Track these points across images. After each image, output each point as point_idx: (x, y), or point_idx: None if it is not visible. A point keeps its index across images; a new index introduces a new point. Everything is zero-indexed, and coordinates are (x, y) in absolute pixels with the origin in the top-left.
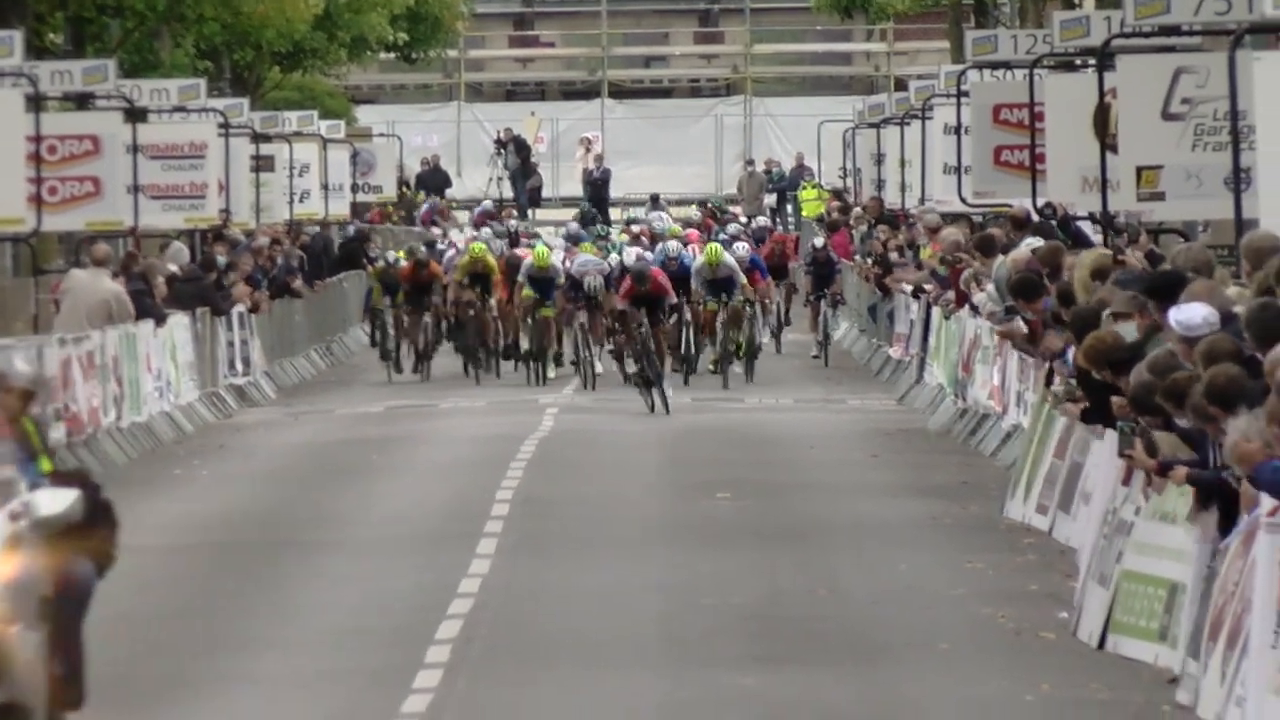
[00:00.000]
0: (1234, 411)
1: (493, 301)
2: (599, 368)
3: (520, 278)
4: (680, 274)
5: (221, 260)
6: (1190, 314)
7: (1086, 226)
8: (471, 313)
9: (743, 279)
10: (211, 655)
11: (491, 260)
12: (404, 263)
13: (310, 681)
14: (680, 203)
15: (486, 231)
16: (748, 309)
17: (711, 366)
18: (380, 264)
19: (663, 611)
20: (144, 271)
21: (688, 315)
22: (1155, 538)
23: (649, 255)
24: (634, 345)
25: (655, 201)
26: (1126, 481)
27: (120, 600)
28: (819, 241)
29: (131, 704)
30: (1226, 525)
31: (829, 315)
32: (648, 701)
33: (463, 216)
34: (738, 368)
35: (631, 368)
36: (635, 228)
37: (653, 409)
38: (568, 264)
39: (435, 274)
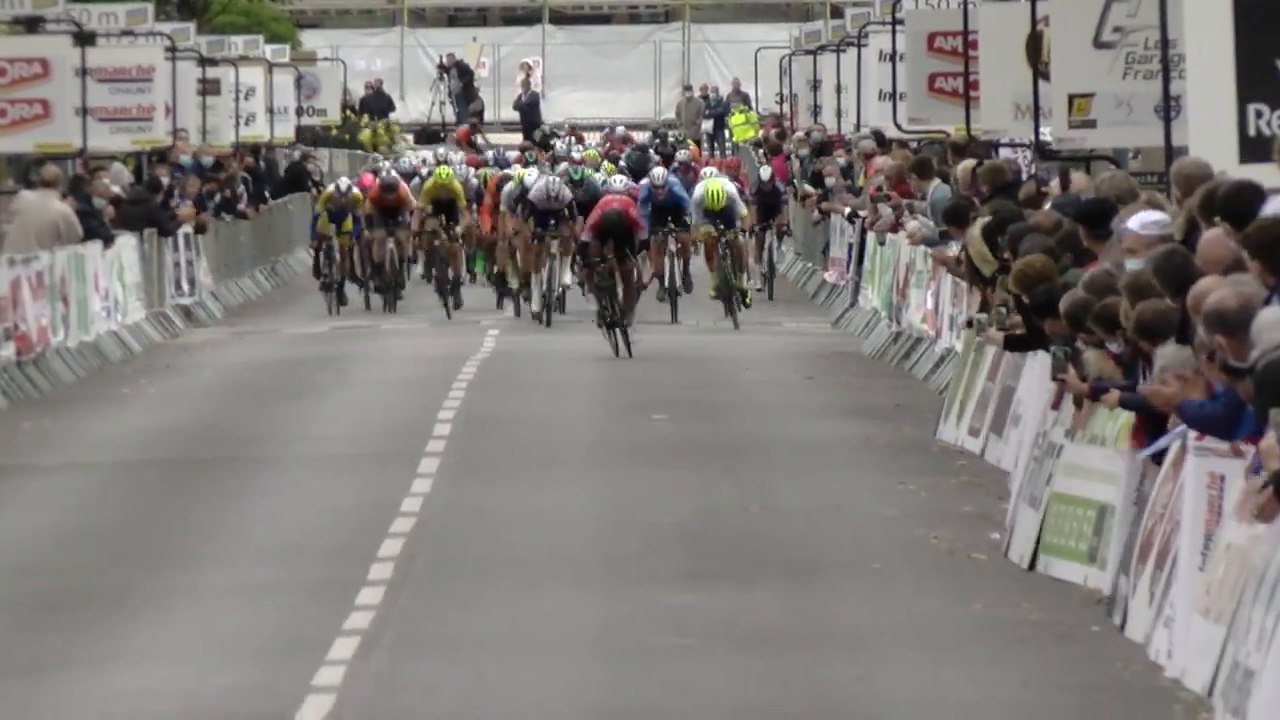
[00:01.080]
0: (1161, 343)
1: (459, 229)
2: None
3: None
4: (670, 202)
5: (165, 181)
6: (1145, 216)
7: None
8: (436, 243)
9: (743, 210)
10: (156, 569)
11: (458, 186)
12: (354, 190)
13: (254, 595)
14: (632, 127)
15: (458, 155)
16: (768, 236)
17: (713, 293)
18: (330, 190)
19: (600, 530)
20: (91, 192)
21: (672, 245)
22: (1085, 460)
23: (615, 181)
24: (596, 282)
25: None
26: (1057, 405)
27: (69, 515)
28: (765, 172)
29: (79, 615)
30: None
31: (774, 247)
32: (586, 618)
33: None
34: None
35: (594, 305)
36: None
37: (617, 352)
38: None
39: (403, 199)
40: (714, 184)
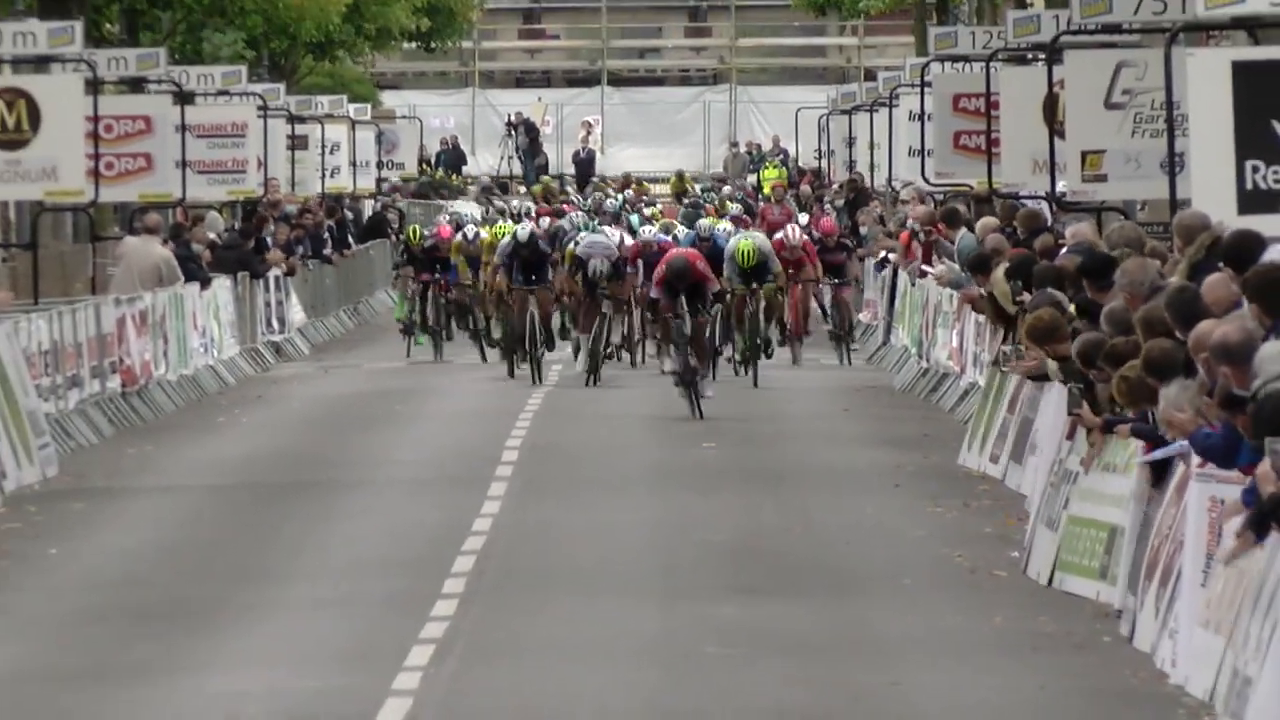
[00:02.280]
0: (1167, 381)
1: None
2: (579, 363)
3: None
4: (713, 254)
5: (269, 227)
6: None
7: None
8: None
9: (777, 266)
10: (248, 582)
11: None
12: (429, 240)
13: (337, 607)
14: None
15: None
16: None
17: (738, 356)
18: (459, 239)
19: (654, 547)
20: (189, 239)
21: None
22: (1098, 485)
23: (679, 233)
24: (671, 340)
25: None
26: (1071, 436)
27: (168, 532)
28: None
29: (178, 624)
30: (1162, 472)
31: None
32: (641, 628)
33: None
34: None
35: (669, 365)
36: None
37: (693, 413)
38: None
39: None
40: (745, 243)
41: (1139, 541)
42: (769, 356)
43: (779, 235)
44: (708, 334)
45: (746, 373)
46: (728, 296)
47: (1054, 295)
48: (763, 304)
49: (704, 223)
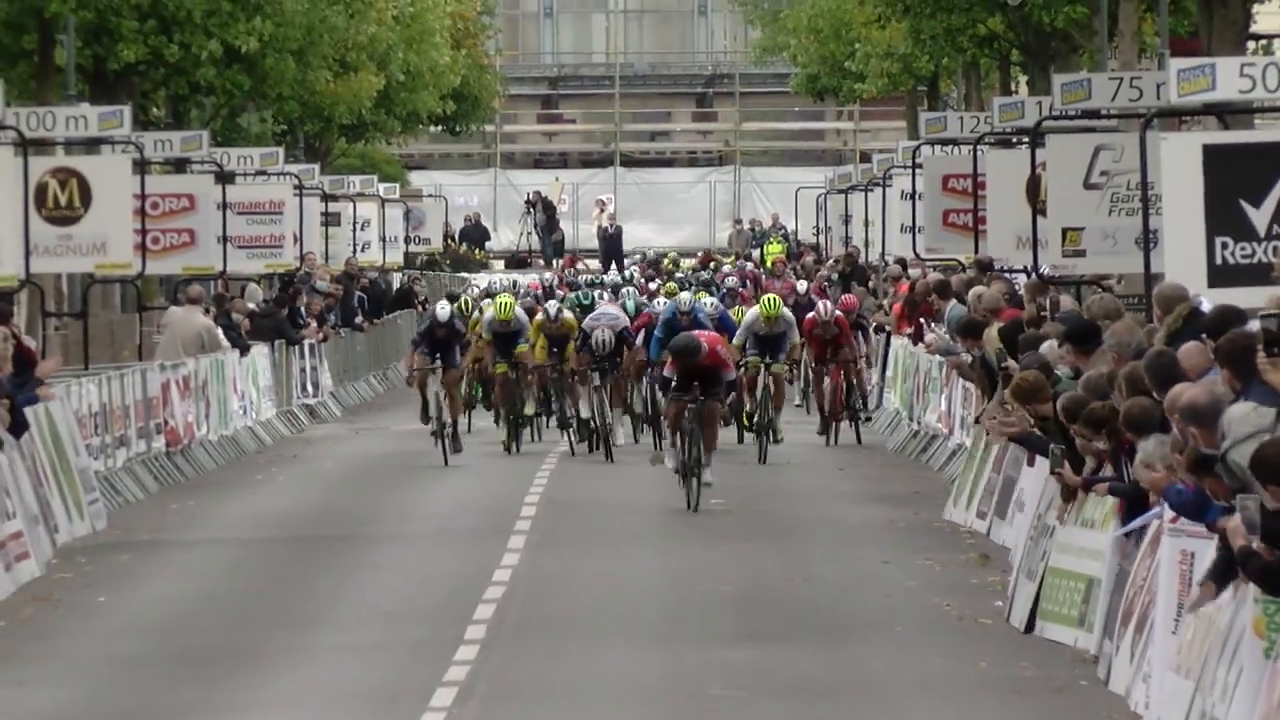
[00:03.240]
0: (1144, 436)
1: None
2: (619, 438)
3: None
4: (720, 330)
5: (304, 300)
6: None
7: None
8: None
9: (796, 337)
10: (284, 629)
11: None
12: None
13: (366, 652)
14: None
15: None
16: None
17: (745, 422)
18: (540, 318)
19: (664, 596)
20: (230, 309)
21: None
22: (1076, 540)
23: (658, 305)
24: (679, 427)
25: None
26: (1069, 500)
27: (209, 582)
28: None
29: (217, 668)
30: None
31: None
32: (651, 672)
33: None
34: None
35: (669, 460)
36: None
37: (689, 504)
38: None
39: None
40: (769, 298)
41: (1114, 592)
42: (778, 444)
43: (811, 314)
44: (720, 423)
45: (761, 439)
46: (741, 372)
47: (1042, 358)
48: (771, 390)
49: (684, 296)
